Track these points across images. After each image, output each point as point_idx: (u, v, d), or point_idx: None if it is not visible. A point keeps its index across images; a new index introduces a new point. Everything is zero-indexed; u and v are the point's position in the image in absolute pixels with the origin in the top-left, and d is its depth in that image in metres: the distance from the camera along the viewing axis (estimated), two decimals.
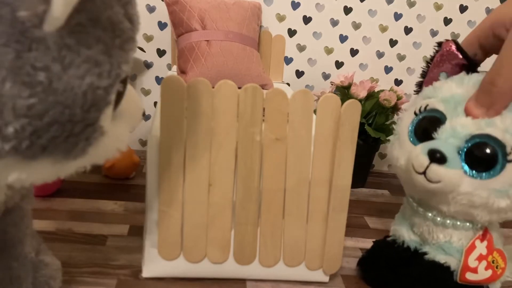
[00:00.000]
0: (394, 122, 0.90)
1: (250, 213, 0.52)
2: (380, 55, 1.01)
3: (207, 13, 0.81)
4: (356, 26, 0.99)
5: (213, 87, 0.47)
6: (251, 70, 0.82)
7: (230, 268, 0.54)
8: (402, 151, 0.50)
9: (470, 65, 0.48)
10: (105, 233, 0.64)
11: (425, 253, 0.52)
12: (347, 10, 0.98)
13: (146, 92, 1.00)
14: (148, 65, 0.98)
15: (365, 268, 0.59)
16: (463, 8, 0.99)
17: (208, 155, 0.49)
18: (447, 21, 1.00)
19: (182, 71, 0.81)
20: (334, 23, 0.98)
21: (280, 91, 0.48)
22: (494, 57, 0.45)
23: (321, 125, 0.50)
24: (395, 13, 0.98)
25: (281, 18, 0.97)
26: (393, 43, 1.00)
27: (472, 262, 0.50)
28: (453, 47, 0.49)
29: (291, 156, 0.50)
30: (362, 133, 0.83)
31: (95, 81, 0.26)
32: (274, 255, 0.54)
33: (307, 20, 0.98)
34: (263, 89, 0.51)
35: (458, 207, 0.47)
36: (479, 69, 0.49)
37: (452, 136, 0.45)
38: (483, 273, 0.50)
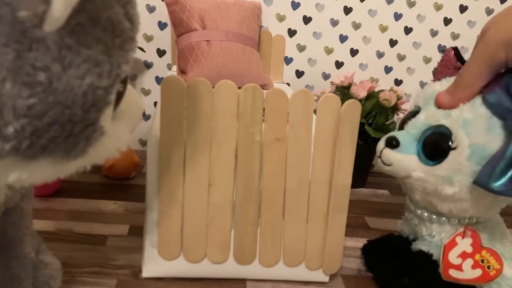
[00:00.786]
0: (394, 122, 0.90)
1: (250, 213, 0.52)
2: (380, 55, 1.01)
3: (207, 13, 0.81)
4: (356, 26, 0.99)
5: (213, 87, 0.47)
6: (251, 70, 0.82)
7: (230, 268, 0.54)
8: None
9: None
10: (105, 233, 0.64)
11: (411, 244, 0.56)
12: (347, 10, 0.98)
13: (146, 92, 1.00)
14: (148, 65, 0.98)
15: (366, 256, 0.62)
16: (463, 8, 0.99)
17: (208, 155, 0.49)
18: (447, 21, 1.00)
19: (182, 71, 0.81)
20: (334, 23, 0.98)
21: (280, 91, 0.48)
22: None
23: (321, 125, 0.50)
24: (395, 13, 0.98)
25: (281, 18, 0.97)
26: (393, 43, 1.00)
27: (453, 258, 0.50)
28: (452, 53, 0.52)
29: (291, 156, 0.50)
30: (362, 133, 0.83)
31: (95, 81, 0.26)
32: (274, 255, 0.54)
33: (307, 20, 0.98)
34: (263, 89, 0.51)
35: (419, 194, 0.51)
36: None
37: (414, 127, 0.50)
38: (470, 272, 0.50)
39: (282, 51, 0.92)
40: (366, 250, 0.62)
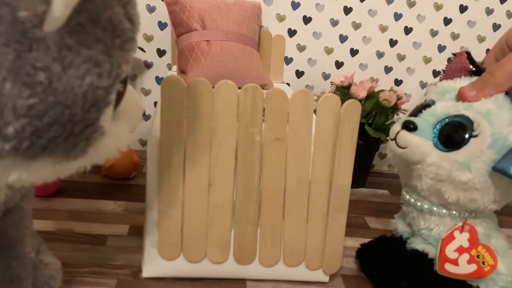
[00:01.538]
0: (394, 122, 0.90)
1: (250, 213, 0.52)
2: (380, 55, 1.01)
3: (207, 13, 0.81)
4: (356, 26, 0.99)
5: (213, 87, 0.47)
6: (251, 70, 0.82)
7: (230, 268, 0.54)
8: None
9: (477, 72, 0.51)
10: (105, 233, 0.64)
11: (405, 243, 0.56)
12: (347, 10, 0.98)
13: (146, 92, 1.00)
14: (148, 65, 0.98)
15: (360, 258, 0.62)
16: (463, 8, 0.99)
17: (208, 155, 0.49)
18: (447, 21, 1.00)
19: (182, 71, 0.81)
20: (334, 23, 0.98)
21: (280, 91, 0.48)
22: None
23: (321, 125, 0.50)
24: (395, 13, 0.98)
25: (281, 18, 0.97)
26: (393, 43, 1.00)
27: (450, 253, 0.51)
28: (464, 57, 0.52)
29: (291, 156, 0.50)
30: (362, 133, 0.83)
31: (95, 81, 0.26)
32: (274, 255, 0.54)
33: (307, 20, 0.98)
34: (263, 89, 0.51)
35: (428, 181, 0.51)
36: None
37: (431, 115, 0.50)
38: (465, 267, 0.50)
39: (282, 51, 0.92)
40: (360, 254, 0.62)
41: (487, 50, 1.02)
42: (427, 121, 0.50)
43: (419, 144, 0.49)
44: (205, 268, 0.54)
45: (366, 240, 0.63)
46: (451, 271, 0.51)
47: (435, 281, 0.51)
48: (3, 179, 0.27)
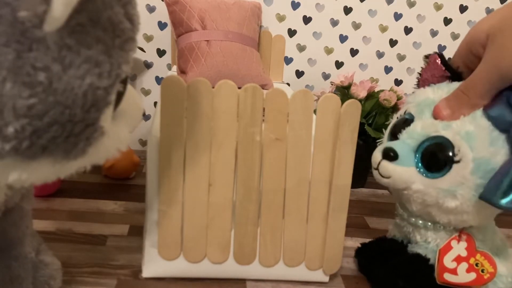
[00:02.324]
0: None
1: (250, 213, 0.52)
2: (380, 55, 1.01)
3: (207, 13, 0.81)
4: (356, 26, 0.99)
5: (213, 87, 0.47)
6: (251, 70, 0.82)
7: (230, 268, 0.54)
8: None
9: (454, 76, 0.50)
10: (105, 233, 0.64)
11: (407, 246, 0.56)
12: (347, 10, 0.98)
13: (146, 92, 1.00)
14: (148, 65, 0.98)
15: (360, 257, 0.61)
16: (463, 8, 0.99)
17: (208, 155, 0.49)
18: (447, 21, 1.00)
19: (182, 71, 0.81)
20: (334, 23, 0.98)
21: (280, 91, 0.48)
22: None
23: (321, 125, 0.50)
24: (395, 13, 0.98)
25: (281, 18, 0.97)
26: (393, 43, 1.00)
27: (448, 262, 0.50)
28: (438, 61, 0.51)
29: (291, 156, 0.50)
30: (362, 133, 0.83)
31: (95, 81, 0.26)
32: (274, 255, 0.54)
33: (307, 20, 0.98)
34: (263, 89, 0.51)
35: (417, 205, 0.50)
36: None
37: (410, 137, 0.49)
38: (464, 276, 0.50)
39: (282, 51, 0.92)
40: (359, 253, 0.62)
41: None
42: (407, 145, 0.49)
43: (402, 173, 0.48)
44: (205, 268, 0.54)
45: (366, 240, 0.63)
46: (450, 281, 0.50)
47: (434, 285, 0.51)
48: (3, 179, 0.27)
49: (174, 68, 0.88)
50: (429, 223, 0.52)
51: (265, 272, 0.55)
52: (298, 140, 0.50)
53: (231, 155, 0.50)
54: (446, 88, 0.49)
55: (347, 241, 0.68)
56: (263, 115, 0.49)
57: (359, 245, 0.62)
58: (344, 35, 0.99)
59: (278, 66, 0.92)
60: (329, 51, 1.00)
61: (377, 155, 0.50)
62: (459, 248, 0.50)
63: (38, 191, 0.72)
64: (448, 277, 0.50)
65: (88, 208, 0.71)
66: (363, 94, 0.84)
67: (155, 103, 1.00)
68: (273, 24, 0.97)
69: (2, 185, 0.35)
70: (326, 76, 1.02)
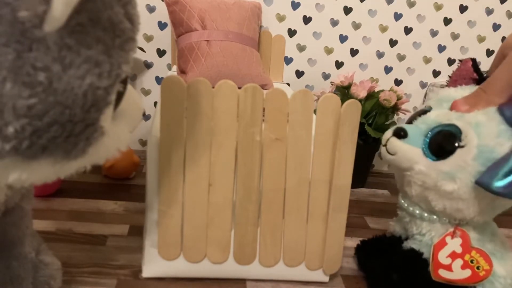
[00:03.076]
0: (394, 122, 0.90)
1: (250, 213, 0.52)
2: (380, 55, 1.01)
3: (207, 13, 0.81)
4: (356, 26, 0.99)
5: (213, 87, 0.47)
6: (251, 70, 0.82)
7: (230, 268, 0.54)
8: None
9: (481, 81, 0.51)
10: (105, 233, 0.64)
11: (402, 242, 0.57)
12: (347, 10, 0.98)
13: (146, 92, 1.00)
14: (148, 65, 0.98)
15: (359, 254, 0.62)
16: (463, 8, 0.99)
17: (208, 155, 0.49)
18: (447, 21, 1.00)
19: (182, 71, 0.81)
20: (334, 23, 0.98)
21: (280, 91, 0.48)
22: None
23: (321, 125, 0.50)
24: (395, 13, 0.98)
25: (281, 18, 0.97)
26: (393, 43, 1.00)
27: (443, 258, 0.51)
28: (469, 64, 0.53)
29: (291, 156, 0.50)
30: (362, 133, 0.83)
31: (95, 81, 0.26)
32: (274, 255, 0.54)
33: (307, 20, 0.98)
34: (263, 89, 0.51)
35: (417, 189, 0.51)
36: None
37: (424, 122, 0.51)
38: (459, 272, 0.50)
39: (282, 51, 0.92)
40: (359, 250, 0.62)
41: (487, 50, 1.02)
42: (418, 128, 0.51)
43: (408, 152, 0.50)
44: (205, 268, 0.54)
45: (366, 239, 0.63)
46: (445, 277, 0.51)
47: (427, 278, 0.51)
48: (3, 179, 0.27)
49: (174, 68, 0.88)
50: (425, 214, 0.53)
51: (265, 272, 0.55)
52: (298, 140, 0.50)
53: (231, 155, 0.50)
54: (469, 90, 0.50)
55: (347, 241, 0.68)
56: (263, 115, 0.49)
57: (359, 242, 0.63)
58: (344, 35, 0.99)
59: (278, 66, 0.92)
60: (329, 51, 1.00)
61: (388, 132, 0.53)
62: (454, 244, 0.51)
63: (38, 191, 0.72)
64: (443, 273, 0.50)
65: (88, 208, 0.71)
66: (363, 94, 0.84)
67: (155, 103, 1.00)
68: (273, 24, 0.97)
69: (2, 185, 0.35)
70: (326, 76, 1.02)
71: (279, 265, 0.55)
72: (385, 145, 0.52)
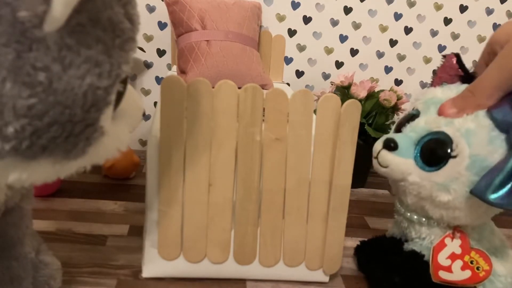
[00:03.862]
0: (394, 122, 0.90)
1: (250, 213, 0.52)
2: (380, 55, 1.01)
3: (207, 13, 0.81)
4: (356, 26, 0.99)
5: (213, 87, 0.47)
6: (251, 70, 0.82)
7: (230, 268, 0.54)
8: None
9: (466, 77, 0.50)
10: (105, 233, 0.64)
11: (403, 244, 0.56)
12: (347, 10, 0.98)
13: (146, 92, 1.00)
14: (148, 65, 0.98)
15: (358, 255, 0.62)
16: (463, 8, 0.99)
17: (208, 155, 0.49)
18: (447, 21, 1.00)
19: (182, 71, 0.81)
20: (334, 23, 0.98)
21: (280, 91, 0.48)
22: None
23: (321, 125, 0.50)
24: (395, 13, 0.98)
25: (281, 18, 0.97)
26: (393, 43, 1.00)
27: (443, 260, 0.50)
28: (454, 60, 0.51)
29: (291, 156, 0.50)
30: (362, 133, 0.83)
31: (95, 81, 0.26)
32: (274, 255, 0.54)
33: (307, 20, 0.98)
34: (263, 89, 0.51)
35: (412, 198, 0.51)
36: None
37: (413, 130, 0.50)
38: (459, 273, 0.50)
39: (282, 51, 0.92)
40: (359, 251, 0.62)
41: None
42: (408, 137, 0.49)
43: (400, 164, 0.49)
44: (205, 268, 0.54)
45: (366, 240, 0.63)
46: (445, 278, 0.50)
47: (428, 280, 0.51)
48: (3, 179, 0.27)
49: (174, 68, 0.88)
50: (423, 219, 0.52)
51: (265, 272, 0.55)
52: (298, 140, 0.50)
53: (231, 155, 0.50)
54: (455, 90, 0.49)
55: (347, 241, 0.68)
56: (263, 115, 0.49)
57: (358, 243, 0.63)
58: (344, 35, 0.99)
59: (278, 66, 0.92)
60: (329, 51, 1.00)
61: (378, 144, 0.52)
62: (453, 245, 0.51)
63: (38, 191, 0.72)
64: (443, 274, 0.50)
65: (88, 208, 0.71)
66: (363, 94, 0.84)
67: (155, 103, 1.00)
68: (273, 24, 0.97)
69: (2, 185, 0.35)
70: (326, 76, 1.02)
71: (279, 265, 0.55)
72: (376, 157, 0.51)
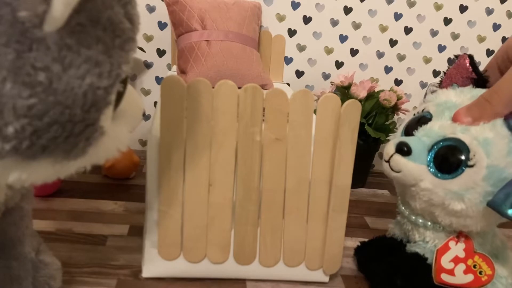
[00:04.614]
0: (394, 122, 0.90)
1: (250, 213, 0.52)
2: (380, 55, 1.01)
3: (207, 13, 0.81)
4: (356, 26, 0.99)
5: (213, 87, 0.47)
6: (251, 70, 0.82)
7: (230, 268, 0.54)
8: None
9: (479, 80, 0.49)
10: (105, 233, 0.64)
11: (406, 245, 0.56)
12: (347, 10, 0.98)
13: (146, 92, 1.00)
14: (148, 65, 0.98)
15: (358, 255, 0.61)
16: (463, 8, 0.99)
17: (208, 155, 0.49)
18: (447, 21, 1.00)
19: (182, 71, 0.81)
20: (334, 23, 0.98)
21: (280, 91, 0.48)
22: None
23: (321, 125, 0.50)
24: (395, 13, 0.98)
25: (281, 18, 0.97)
26: (393, 43, 1.00)
27: (446, 263, 0.50)
28: (467, 61, 0.50)
29: (291, 156, 0.50)
30: (362, 133, 0.83)
31: (95, 81, 0.26)
32: (274, 255, 0.54)
33: (307, 20, 0.98)
34: (263, 89, 0.51)
35: (422, 203, 0.50)
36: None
37: (426, 135, 0.48)
38: (462, 277, 0.50)
39: (282, 51, 0.92)
40: (359, 251, 0.62)
41: (487, 50, 1.02)
42: (422, 142, 0.48)
43: (413, 170, 0.48)
44: (205, 268, 0.54)
45: (366, 240, 0.63)
46: (447, 281, 0.50)
47: (431, 284, 0.51)
48: (3, 179, 0.27)
49: (174, 68, 0.88)
50: (429, 223, 0.52)
51: (265, 272, 0.55)
52: (298, 140, 0.50)
53: (231, 155, 0.50)
54: (469, 94, 0.48)
55: (347, 241, 0.68)
56: (263, 115, 0.49)
57: (359, 244, 0.62)
58: (344, 35, 0.99)
59: (278, 66, 0.92)
60: (329, 51, 1.00)
61: (390, 148, 0.50)
62: (457, 249, 0.50)
63: (38, 191, 0.72)
64: (445, 277, 0.50)
65: (88, 208, 0.71)
66: (363, 94, 0.84)
67: (155, 103, 1.00)
68: (273, 24, 0.97)
69: (2, 185, 0.35)
70: (326, 76, 1.02)
71: (279, 265, 0.55)
72: (388, 161, 0.49)
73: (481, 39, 1.01)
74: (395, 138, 0.53)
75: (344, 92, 0.88)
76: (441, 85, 0.54)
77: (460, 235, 0.51)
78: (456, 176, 0.46)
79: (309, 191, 0.52)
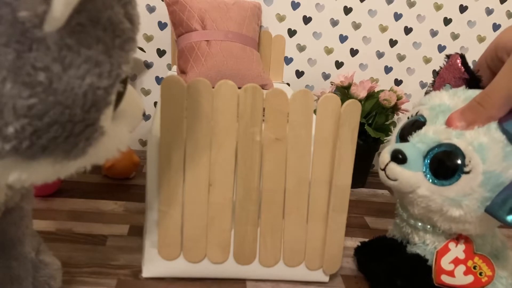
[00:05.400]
0: (394, 122, 0.90)
1: (250, 213, 0.52)
2: (380, 55, 1.01)
3: (207, 13, 0.81)
4: (356, 26, 0.99)
5: (213, 87, 0.47)
6: (251, 70, 0.82)
7: (230, 268, 0.54)
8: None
9: (472, 80, 0.49)
10: (105, 233, 0.64)
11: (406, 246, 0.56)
12: (347, 10, 0.98)
13: (146, 92, 1.00)
14: (148, 65, 0.98)
15: (359, 256, 0.61)
16: (463, 8, 0.99)
17: (208, 155, 0.49)
18: (447, 21, 1.00)
19: (182, 71, 0.81)
20: (334, 23, 0.98)
21: (280, 91, 0.48)
22: None
23: (321, 125, 0.50)
24: (395, 13, 0.98)
25: (281, 18, 0.97)
26: (393, 43, 1.00)
27: (446, 264, 0.50)
28: (458, 61, 0.50)
29: (291, 156, 0.50)
30: (362, 133, 0.83)
31: (95, 81, 0.26)
32: (274, 255, 0.54)
33: (307, 20, 0.98)
34: (263, 89, 0.51)
35: (420, 209, 0.50)
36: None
37: (421, 141, 0.48)
38: (462, 278, 0.50)
39: (282, 51, 0.92)
40: (359, 252, 0.62)
41: None
42: (417, 149, 0.47)
43: (409, 178, 0.47)
44: (205, 268, 0.54)
45: (366, 240, 0.63)
46: (447, 283, 0.50)
47: (432, 285, 0.51)
48: (3, 179, 0.27)
49: (174, 68, 0.88)
50: (429, 226, 0.52)
51: (265, 272, 0.55)
52: (298, 140, 0.50)
53: (231, 155, 0.50)
54: (463, 96, 0.47)
55: (347, 241, 0.68)
56: (263, 115, 0.49)
57: (359, 244, 0.62)
58: (344, 35, 0.99)
59: (278, 66, 0.92)
60: (329, 51, 1.00)
61: (385, 156, 0.49)
62: (457, 250, 0.50)
63: (38, 191, 0.72)
64: (446, 279, 0.50)
65: (88, 208, 0.71)
66: (363, 94, 0.84)
67: (155, 103, 1.00)
68: (273, 24, 0.97)
69: (2, 185, 0.35)
70: (326, 76, 1.02)
71: (279, 265, 0.55)
72: (383, 170, 0.49)
73: (481, 39, 1.01)
74: (390, 144, 0.53)
75: (344, 92, 0.88)
76: (433, 86, 0.53)
77: (460, 236, 0.51)
78: (453, 182, 0.46)
79: (309, 191, 0.52)
